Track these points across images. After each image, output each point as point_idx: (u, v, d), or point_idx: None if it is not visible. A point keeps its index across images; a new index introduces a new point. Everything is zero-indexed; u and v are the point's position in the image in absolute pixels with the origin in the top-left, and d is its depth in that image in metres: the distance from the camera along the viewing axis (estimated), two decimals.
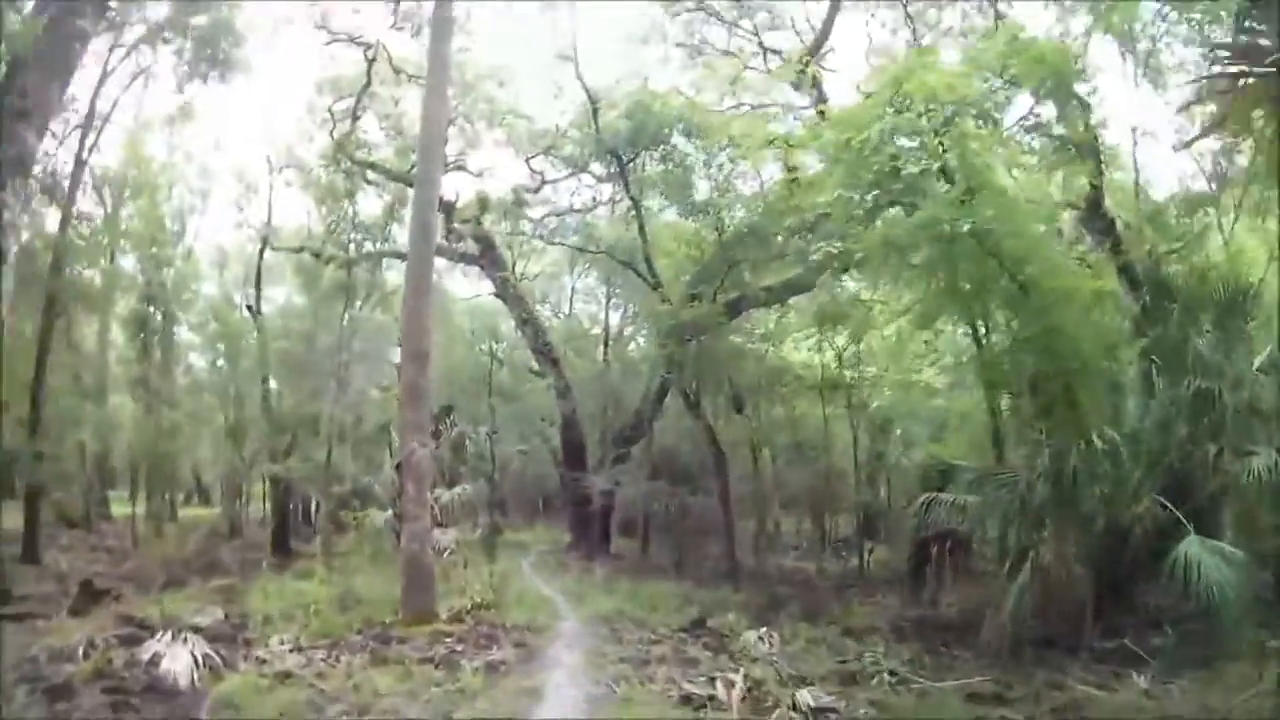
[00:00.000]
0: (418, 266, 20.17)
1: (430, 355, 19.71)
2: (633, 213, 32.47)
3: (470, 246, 40.07)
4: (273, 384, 43.51)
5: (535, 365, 45.70)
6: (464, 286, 49.78)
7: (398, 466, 22.85)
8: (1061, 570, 16.70)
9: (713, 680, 14.42)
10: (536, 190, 38.14)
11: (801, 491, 38.43)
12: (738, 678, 14.28)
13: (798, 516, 44.13)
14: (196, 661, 13.85)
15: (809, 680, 14.73)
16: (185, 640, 14.48)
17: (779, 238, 28.67)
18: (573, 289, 51.64)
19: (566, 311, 52.42)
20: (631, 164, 32.17)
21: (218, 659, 14.44)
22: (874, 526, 37.75)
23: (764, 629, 19.01)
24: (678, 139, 31.30)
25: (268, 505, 44.31)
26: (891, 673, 15.63)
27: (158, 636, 14.69)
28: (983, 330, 21.93)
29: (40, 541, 31.93)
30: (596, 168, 33.40)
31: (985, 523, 20.65)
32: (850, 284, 29.68)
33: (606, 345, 44.76)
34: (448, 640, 17.07)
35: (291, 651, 16.11)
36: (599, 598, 24.48)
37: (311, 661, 15.50)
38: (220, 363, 48.08)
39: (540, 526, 51.18)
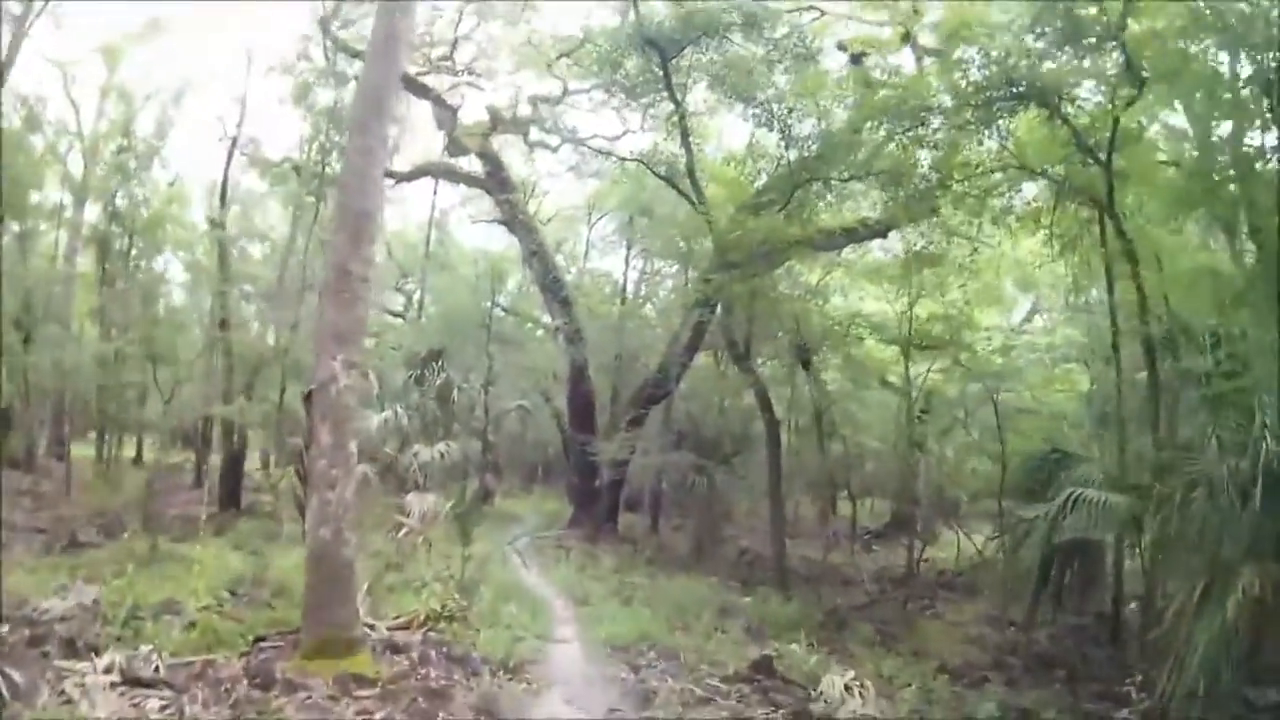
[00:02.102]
0: (374, 93, 12.22)
1: (376, 231, 11.73)
2: (674, 119, 24.25)
3: (475, 166, 32.79)
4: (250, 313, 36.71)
5: (540, 315, 38.33)
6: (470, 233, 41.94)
7: (306, 397, 15.26)
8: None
9: None
10: (559, 100, 29.81)
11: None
12: None
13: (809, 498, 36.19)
14: None
15: None
16: None
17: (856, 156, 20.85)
18: (588, 241, 42.99)
19: (582, 265, 43.57)
20: (675, 61, 23.88)
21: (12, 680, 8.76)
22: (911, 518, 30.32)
23: (848, 674, 12.51)
24: (735, 34, 23.18)
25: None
26: None
27: None
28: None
29: None
30: (632, 66, 24.68)
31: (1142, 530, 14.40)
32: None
33: (624, 299, 36.72)
34: (362, 695, 9.79)
35: (120, 687, 9.58)
36: (611, 606, 17.42)
37: (139, 708, 9.19)
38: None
39: (537, 495, 42.99)
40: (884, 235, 24.79)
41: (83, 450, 39.42)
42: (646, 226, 33.79)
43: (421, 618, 13.66)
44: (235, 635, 12.18)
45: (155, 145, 37.16)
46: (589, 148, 31.48)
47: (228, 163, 32.22)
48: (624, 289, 37.64)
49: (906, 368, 22.32)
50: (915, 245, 21.88)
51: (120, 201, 35.23)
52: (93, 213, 37.86)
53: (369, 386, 28.42)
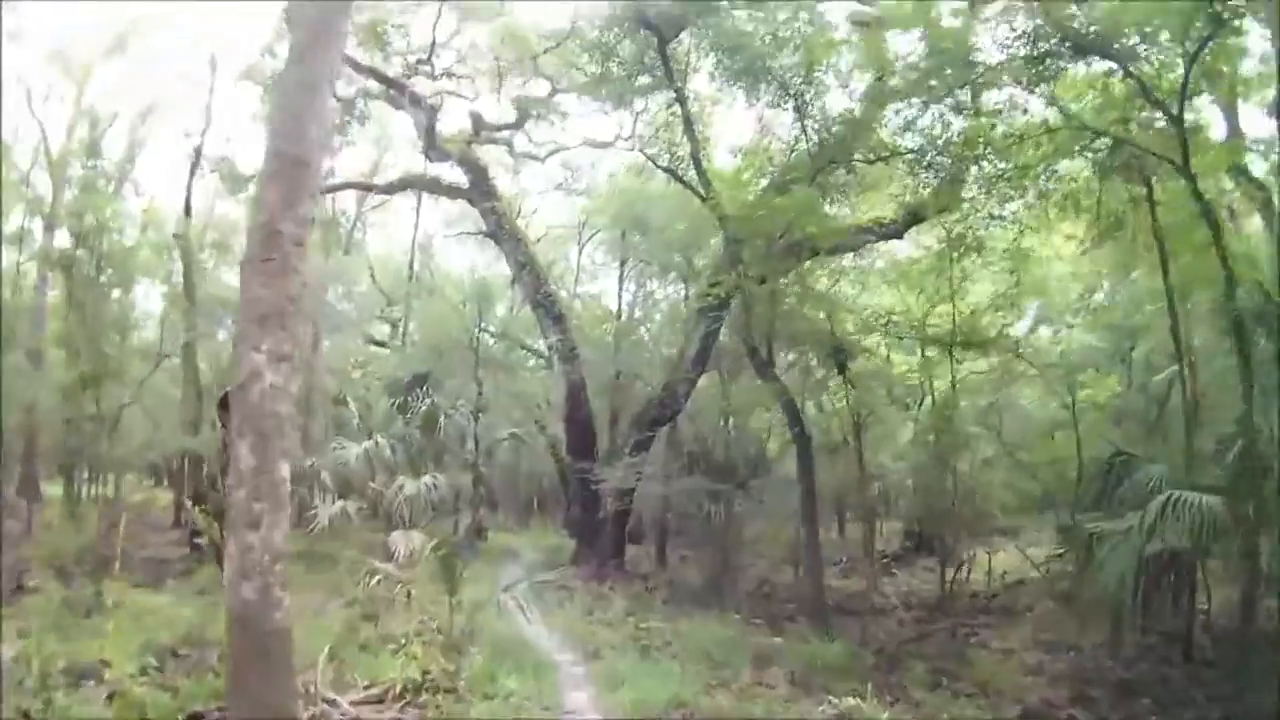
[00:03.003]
0: (319, 15, 9.21)
1: (314, 185, 8.61)
2: (674, 107, 21.23)
3: (457, 177, 29.90)
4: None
5: (531, 341, 35.31)
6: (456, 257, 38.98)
7: (222, 403, 12.24)
8: None
9: None
10: (546, 101, 26.73)
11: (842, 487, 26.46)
12: None
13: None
14: None
15: None
16: None
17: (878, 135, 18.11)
18: (579, 264, 39.65)
19: (572, 290, 40.23)
20: (673, 46, 20.94)
21: None
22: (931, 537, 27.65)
23: None
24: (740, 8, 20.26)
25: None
26: None
27: None
28: None
29: None
30: (626, 52, 21.55)
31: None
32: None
33: (619, 317, 33.76)
34: None
35: None
36: (628, 659, 14.34)
37: None
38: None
39: (535, 529, 39.63)
40: (899, 235, 21.89)
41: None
42: (641, 242, 30.67)
43: (398, 688, 10.50)
44: (166, 709, 9.96)
45: (126, 167, 34.11)
46: (579, 153, 28.52)
47: (191, 174, 29.11)
48: (619, 309, 34.44)
49: (952, 369, 19.18)
50: (953, 231, 18.75)
51: (89, 223, 32.02)
52: (62, 238, 34.72)
53: (338, 412, 25.43)
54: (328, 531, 21.47)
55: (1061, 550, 17.98)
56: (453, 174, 30.60)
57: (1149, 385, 19.90)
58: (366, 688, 10.81)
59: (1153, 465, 14.58)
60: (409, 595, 13.25)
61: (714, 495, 21.54)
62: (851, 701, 11.86)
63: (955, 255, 18.45)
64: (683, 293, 29.03)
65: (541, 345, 33.62)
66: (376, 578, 13.34)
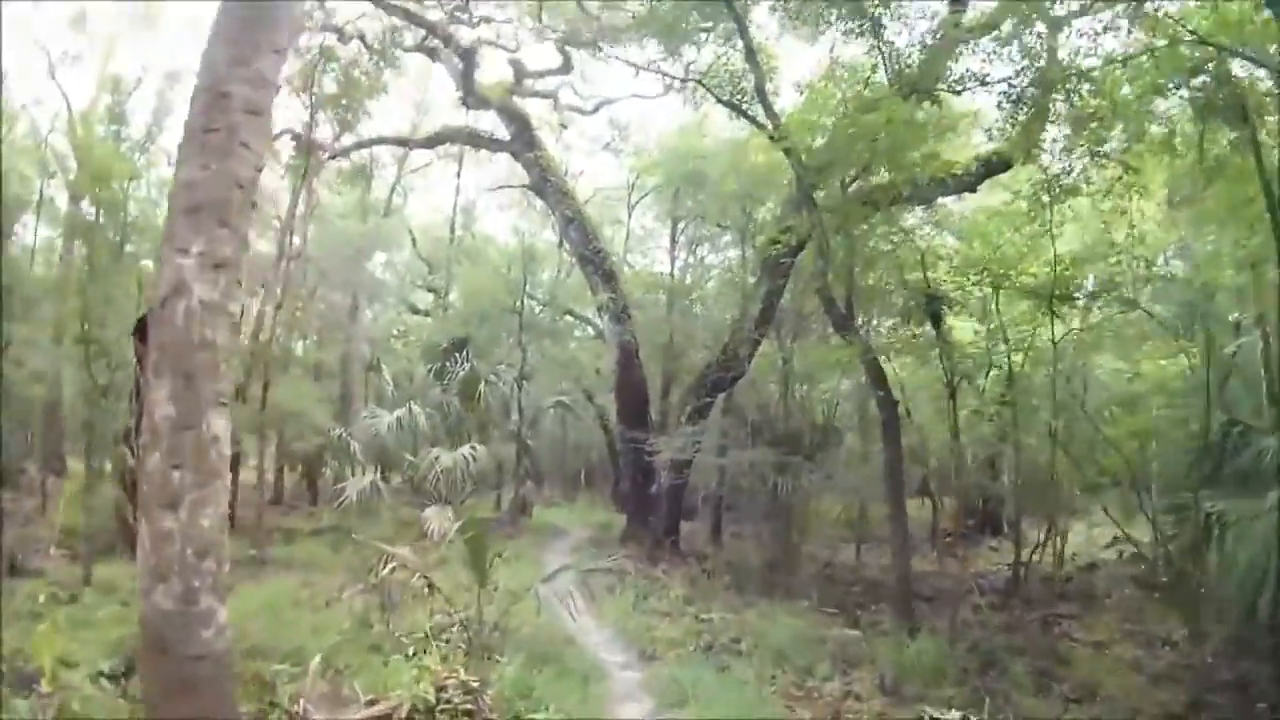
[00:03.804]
0: None
1: (281, 37, 5.96)
2: (732, 39, 18.55)
3: (498, 129, 27.58)
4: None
5: (579, 309, 33.46)
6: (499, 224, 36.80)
7: (138, 329, 10.08)
8: None
9: None
10: (596, 46, 24.03)
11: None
12: None
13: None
14: None
15: None
16: None
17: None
18: (628, 230, 36.75)
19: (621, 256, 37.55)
20: None
21: None
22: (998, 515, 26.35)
23: None
24: None
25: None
26: None
27: None
28: None
29: None
30: None
31: None
32: None
33: (674, 279, 30.91)
34: None
35: None
36: (693, 663, 11.76)
37: None
38: None
39: (582, 504, 37.15)
40: (973, 188, 19.22)
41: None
42: (694, 203, 28.03)
43: (405, 710, 8.12)
44: None
45: (153, 131, 31.92)
46: (627, 110, 25.93)
47: None
48: (672, 269, 31.75)
49: (1052, 324, 16.38)
50: (1048, 169, 16.05)
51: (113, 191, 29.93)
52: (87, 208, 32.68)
53: (373, 380, 23.25)
54: (356, 508, 19.38)
55: (1170, 534, 15.28)
56: (494, 127, 28.33)
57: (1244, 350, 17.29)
58: (369, 703, 8.43)
59: (1266, 437, 12.05)
60: (430, 586, 10.81)
61: (780, 468, 18.90)
62: (954, 715, 9.48)
63: (1051, 196, 15.71)
64: (741, 252, 26.27)
65: (591, 313, 31.38)
66: (390, 565, 10.92)
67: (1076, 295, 16.60)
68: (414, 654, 10.04)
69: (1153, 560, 19.64)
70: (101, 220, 29.27)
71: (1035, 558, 19.29)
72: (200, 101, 5.96)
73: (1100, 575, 20.37)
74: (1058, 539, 19.59)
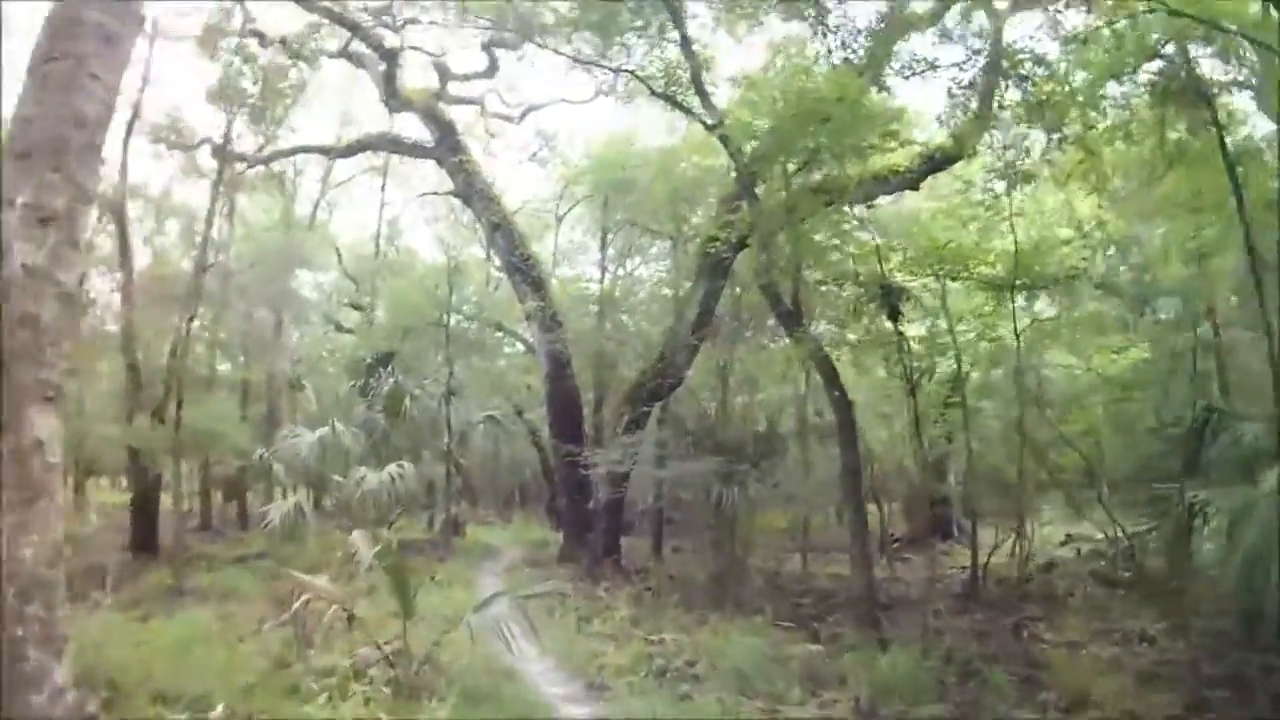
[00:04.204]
0: None
1: None
2: (669, 31, 17.52)
3: (423, 134, 26.41)
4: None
5: (509, 324, 31.84)
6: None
7: None
8: None
9: None
10: (519, 46, 22.90)
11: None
12: None
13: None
14: None
15: None
16: None
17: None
18: (556, 241, 35.44)
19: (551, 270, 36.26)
20: None
21: None
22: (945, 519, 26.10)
23: None
24: None
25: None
26: None
27: None
28: None
29: None
30: None
31: None
32: None
33: (603, 282, 30.03)
34: None
35: None
36: (647, 693, 10.60)
37: None
38: None
39: (517, 522, 35.88)
40: (916, 186, 18.52)
41: None
42: (626, 207, 26.99)
43: None
44: None
45: None
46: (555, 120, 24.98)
47: (127, 134, 25.12)
48: (602, 280, 30.57)
49: (1014, 315, 15.61)
50: (1002, 156, 15.37)
51: None
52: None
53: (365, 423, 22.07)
54: (282, 533, 17.93)
55: (1149, 526, 14.58)
56: (419, 136, 27.02)
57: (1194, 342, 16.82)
58: None
59: (1245, 423, 11.44)
60: (350, 618, 9.53)
61: (725, 477, 17.78)
62: None
63: (1009, 181, 14.99)
64: (673, 257, 25.27)
65: (521, 328, 30.15)
66: (301, 597, 9.61)
67: (1042, 283, 15.86)
68: (331, 697, 8.79)
69: (1112, 556, 19.10)
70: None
71: (990, 559, 18.64)
72: (47, 30, 4.74)
73: (1059, 574, 19.64)
74: (1019, 539, 18.95)
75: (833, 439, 24.12)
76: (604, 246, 30.03)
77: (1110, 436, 18.22)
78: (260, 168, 28.36)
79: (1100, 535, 23.09)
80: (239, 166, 26.10)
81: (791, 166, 15.35)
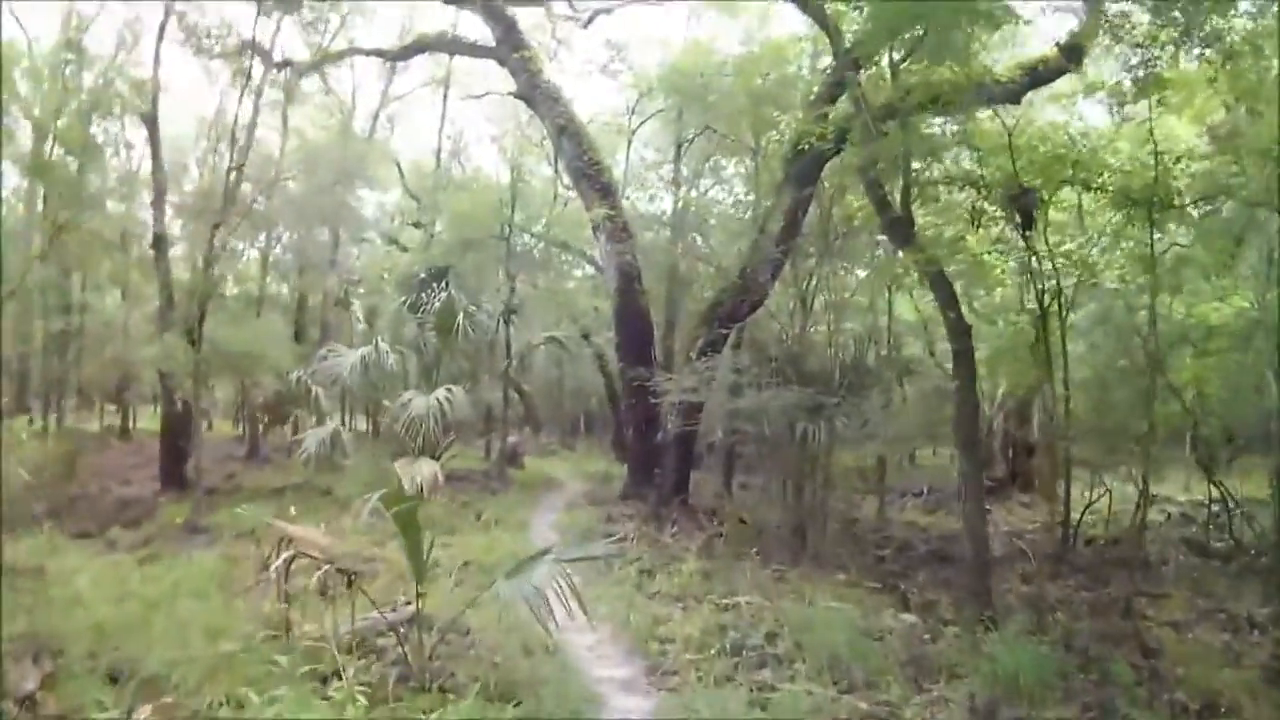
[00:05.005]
0: None
1: None
2: None
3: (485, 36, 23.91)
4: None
5: (574, 244, 30.11)
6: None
7: None
8: None
9: None
10: None
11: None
12: None
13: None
14: None
15: None
16: None
17: None
18: (628, 157, 32.69)
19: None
20: None
21: None
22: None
23: None
24: None
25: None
26: None
27: None
28: None
29: None
30: None
31: None
32: None
33: (678, 199, 27.22)
34: None
35: None
36: (722, 686, 8.07)
37: None
38: None
39: (579, 453, 33.86)
40: (1018, 99, 15.73)
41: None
42: (703, 113, 24.29)
43: None
44: None
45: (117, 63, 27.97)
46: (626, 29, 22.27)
47: (159, 39, 23.05)
48: (676, 198, 27.85)
49: (1152, 243, 12.78)
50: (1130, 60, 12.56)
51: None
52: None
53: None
54: (327, 462, 16.02)
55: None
56: (478, 33, 24.65)
57: None
58: None
59: None
60: (349, 583, 7.32)
61: (813, 411, 15.28)
62: None
63: (1138, 85, 12.17)
64: (755, 166, 22.61)
65: (588, 249, 27.83)
66: (285, 554, 7.39)
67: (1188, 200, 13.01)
68: (324, 682, 6.69)
69: (1204, 521, 17.18)
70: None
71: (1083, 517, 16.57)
72: None
73: (1148, 538, 16.97)
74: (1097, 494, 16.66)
75: (920, 373, 21.82)
76: (678, 159, 27.49)
77: (1217, 391, 15.56)
78: (315, 78, 26.30)
79: (1182, 498, 20.55)
80: (287, 73, 23.98)
81: (896, 56, 12.81)
